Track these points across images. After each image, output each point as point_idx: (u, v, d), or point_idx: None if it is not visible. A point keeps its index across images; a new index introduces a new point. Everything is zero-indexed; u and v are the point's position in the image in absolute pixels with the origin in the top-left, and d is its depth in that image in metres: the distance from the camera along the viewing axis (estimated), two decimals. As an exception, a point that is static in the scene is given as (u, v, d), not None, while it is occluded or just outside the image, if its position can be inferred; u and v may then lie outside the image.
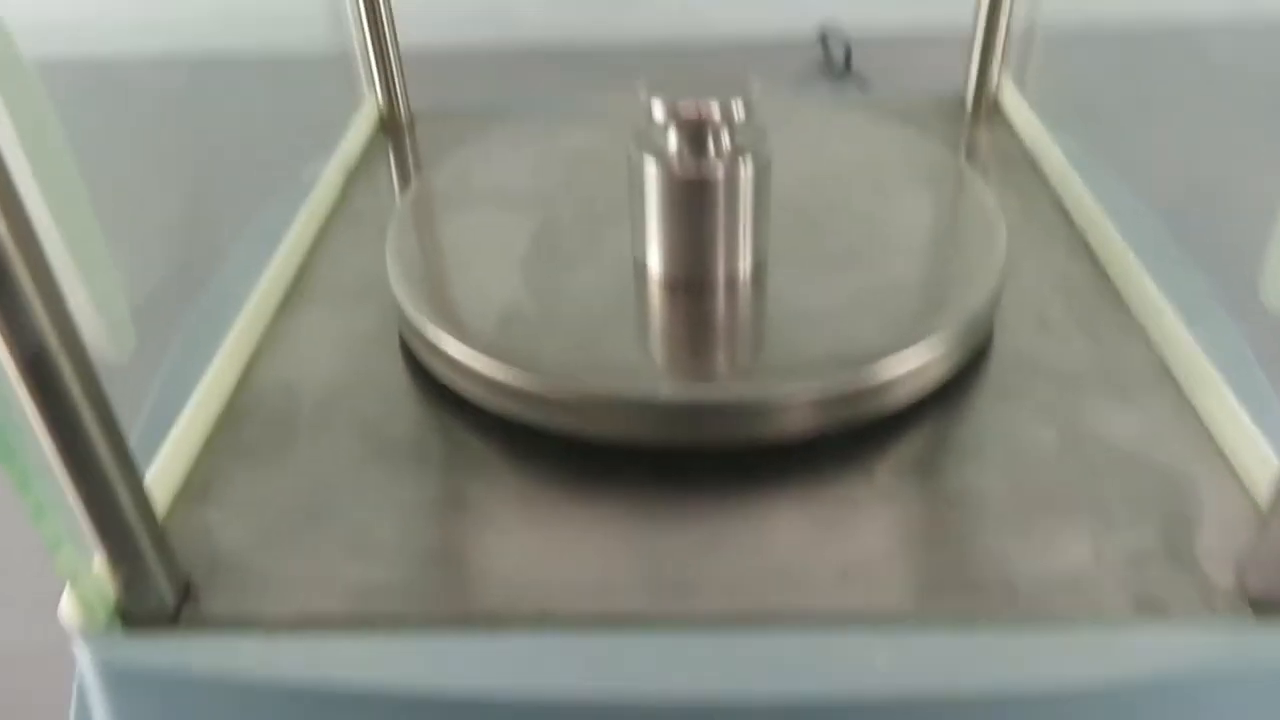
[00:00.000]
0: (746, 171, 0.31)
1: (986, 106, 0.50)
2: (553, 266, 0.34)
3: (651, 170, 0.32)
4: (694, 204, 0.32)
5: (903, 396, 0.30)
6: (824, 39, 0.88)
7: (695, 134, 0.31)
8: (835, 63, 0.86)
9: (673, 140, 0.32)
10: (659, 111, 0.31)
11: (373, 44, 0.49)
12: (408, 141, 0.50)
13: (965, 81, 0.51)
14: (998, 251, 0.34)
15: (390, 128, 0.51)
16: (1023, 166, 0.45)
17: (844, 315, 0.32)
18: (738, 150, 0.32)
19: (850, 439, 0.30)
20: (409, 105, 0.51)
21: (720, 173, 0.31)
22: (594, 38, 0.89)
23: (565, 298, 0.33)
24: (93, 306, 0.24)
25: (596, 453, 0.30)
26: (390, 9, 0.48)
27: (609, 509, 0.29)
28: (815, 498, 0.29)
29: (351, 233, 0.42)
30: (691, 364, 0.31)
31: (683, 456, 0.30)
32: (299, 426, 0.32)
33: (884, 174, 0.39)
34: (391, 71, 0.50)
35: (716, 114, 0.30)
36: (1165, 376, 0.33)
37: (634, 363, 0.30)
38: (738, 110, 0.31)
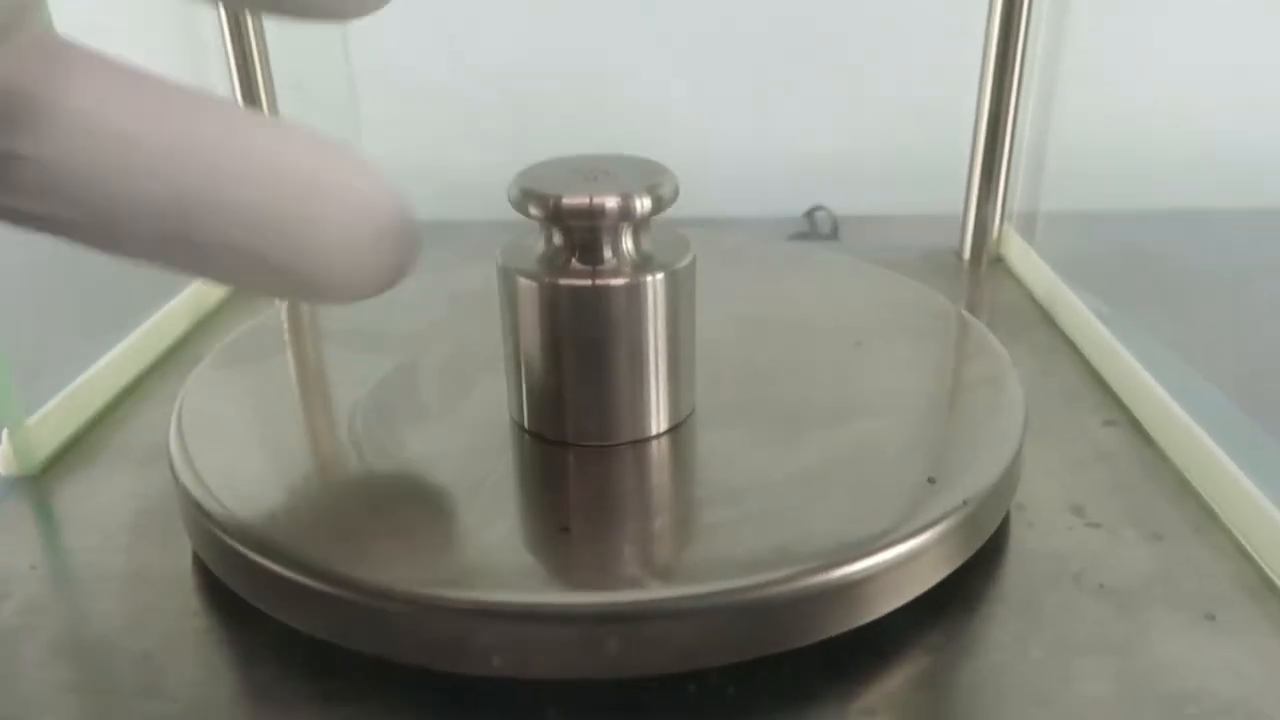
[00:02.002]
0: (655, 286, 0.22)
1: (987, 260, 0.42)
2: (393, 428, 0.25)
3: (524, 285, 0.23)
4: (581, 328, 0.22)
5: (875, 610, 0.20)
6: (810, 215, 0.82)
7: (585, 237, 0.22)
8: (821, 233, 0.79)
9: (553, 245, 0.23)
10: (535, 207, 0.22)
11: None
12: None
13: (961, 231, 0.43)
14: (1013, 414, 0.25)
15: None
16: (1035, 322, 0.36)
17: (798, 495, 0.22)
18: (644, 258, 0.23)
19: (795, 674, 0.20)
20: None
21: (618, 284, 0.22)
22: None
23: (402, 467, 0.23)
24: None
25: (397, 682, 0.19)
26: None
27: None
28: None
29: (180, 380, 0.33)
30: (557, 560, 0.20)
31: (527, 694, 0.19)
32: (-17, 643, 0.21)
33: (867, 322, 0.30)
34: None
35: (614, 209, 0.22)
36: (1268, 590, 0.22)
37: (475, 558, 0.20)
38: (642, 206, 0.22)
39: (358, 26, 0.53)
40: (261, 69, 0.40)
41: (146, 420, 0.30)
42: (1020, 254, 0.41)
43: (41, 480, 0.27)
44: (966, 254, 0.42)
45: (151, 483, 0.27)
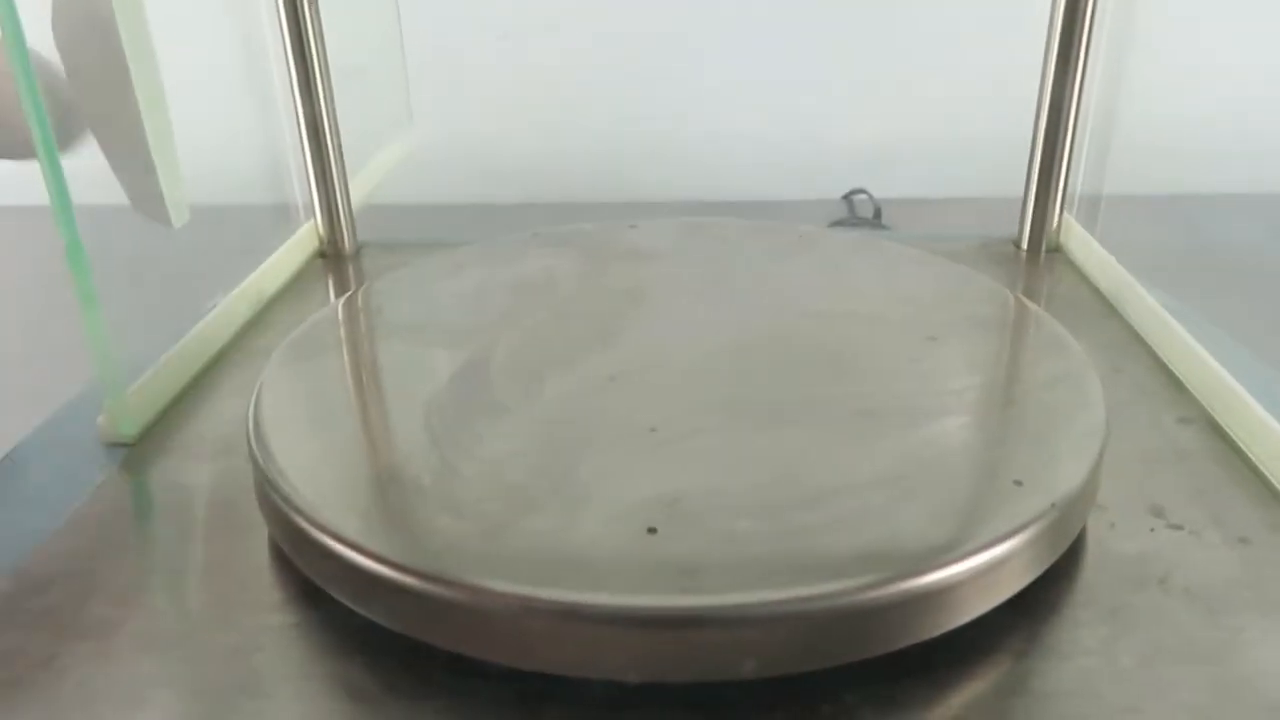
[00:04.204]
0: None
1: (1046, 248, 0.42)
2: (470, 422, 0.25)
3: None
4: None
5: (962, 615, 0.20)
6: (849, 198, 0.82)
7: None
8: (863, 217, 0.78)
9: None
10: None
11: (313, 161, 0.42)
12: (350, 271, 0.42)
13: (1020, 220, 0.42)
14: (1094, 414, 0.24)
15: (331, 257, 0.43)
16: (1099, 315, 0.36)
17: (883, 496, 0.22)
18: None
19: (880, 679, 0.20)
20: (354, 233, 0.43)
21: None
22: (613, 196, 0.82)
23: (482, 463, 0.23)
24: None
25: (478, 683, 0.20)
26: (336, 125, 0.41)
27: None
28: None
29: (243, 373, 0.33)
30: (645, 562, 0.20)
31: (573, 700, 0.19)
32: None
33: (938, 316, 0.30)
34: (335, 195, 0.42)
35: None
36: (1361, 600, 0.22)
37: (563, 559, 0.20)
38: None
39: (412, 13, 0.52)
40: (317, 53, 0.39)
41: (211, 411, 0.30)
42: (1081, 244, 0.40)
43: (122, 471, 0.27)
44: (1025, 244, 0.42)
45: (223, 476, 0.27)
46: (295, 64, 0.40)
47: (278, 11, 0.38)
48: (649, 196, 0.79)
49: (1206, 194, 0.60)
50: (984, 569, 0.20)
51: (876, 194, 0.78)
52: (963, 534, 0.20)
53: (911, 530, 0.20)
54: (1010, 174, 0.42)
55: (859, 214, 0.79)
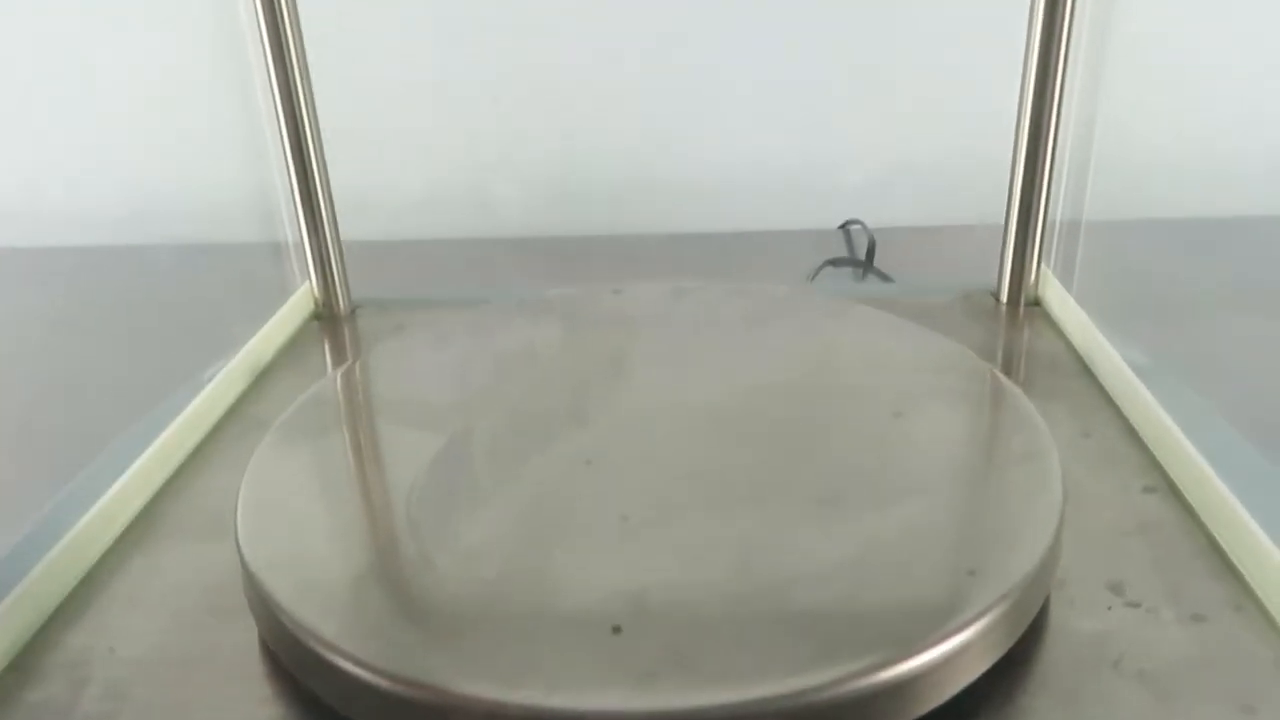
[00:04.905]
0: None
1: (1025, 302, 0.42)
2: (448, 513, 0.26)
3: None
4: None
5: (919, 708, 0.21)
6: (845, 228, 0.83)
7: None
8: (857, 256, 0.79)
9: None
10: None
11: (307, 224, 0.43)
12: (346, 334, 0.43)
13: (999, 274, 0.43)
14: (1051, 497, 0.25)
15: (326, 319, 0.44)
16: (1074, 374, 0.36)
17: (839, 588, 0.22)
18: None
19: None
20: (349, 294, 0.44)
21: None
22: (604, 229, 0.83)
23: (459, 558, 0.24)
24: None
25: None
26: (329, 187, 0.42)
27: None
28: None
29: (241, 446, 0.34)
30: (609, 663, 0.21)
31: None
32: (69, 730, 0.23)
33: (906, 389, 0.31)
34: (329, 255, 0.43)
35: None
36: (1307, 683, 0.23)
37: (529, 659, 0.21)
38: None
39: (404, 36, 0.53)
40: (310, 123, 0.41)
41: (207, 489, 0.31)
42: (1058, 299, 0.41)
43: (111, 556, 0.28)
44: (1004, 297, 0.43)
45: (216, 559, 0.28)
46: (289, 135, 0.41)
47: (271, 90, 0.40)
48: (642, 229, 0.80)
49: (1197, 218, 0.61)
50: (937, 663, 0.21)
51: (872, 224, 0.79)
52: (915, 629, 0.21)
53: (865, 625, 0.21)
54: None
55: (854, 244, 0.80)
